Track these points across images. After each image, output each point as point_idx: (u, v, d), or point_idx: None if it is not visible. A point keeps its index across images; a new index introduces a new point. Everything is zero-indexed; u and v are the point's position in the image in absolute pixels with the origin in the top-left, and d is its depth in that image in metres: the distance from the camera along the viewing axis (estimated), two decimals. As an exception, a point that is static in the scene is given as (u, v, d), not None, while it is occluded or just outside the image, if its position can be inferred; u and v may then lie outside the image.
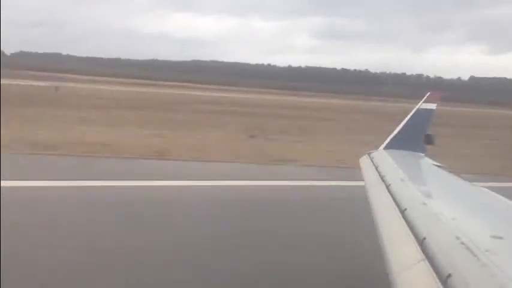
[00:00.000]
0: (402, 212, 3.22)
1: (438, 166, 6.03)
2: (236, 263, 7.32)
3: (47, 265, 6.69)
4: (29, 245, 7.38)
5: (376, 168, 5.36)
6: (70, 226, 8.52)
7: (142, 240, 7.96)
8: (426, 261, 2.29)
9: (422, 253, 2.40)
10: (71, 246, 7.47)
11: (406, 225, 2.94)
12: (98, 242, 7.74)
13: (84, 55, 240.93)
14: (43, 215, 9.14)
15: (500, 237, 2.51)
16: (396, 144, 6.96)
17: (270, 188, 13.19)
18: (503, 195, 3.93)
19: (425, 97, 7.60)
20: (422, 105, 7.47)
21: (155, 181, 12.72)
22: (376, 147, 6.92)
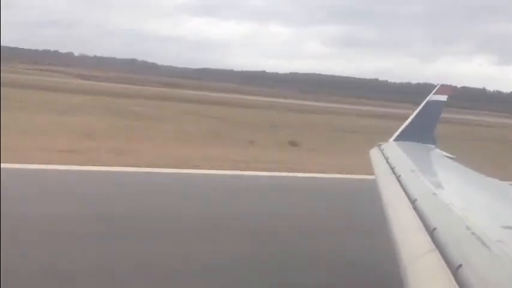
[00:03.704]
0: (412, 202, 3.22)
1: (449, 157, 6.01)
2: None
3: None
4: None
5: (387, 159, 5.34)
6: None
7: None
8: (437, 251, 2.29)
9: (432, 243, 2.40)
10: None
11: (416, 216, 2.93)
12: None
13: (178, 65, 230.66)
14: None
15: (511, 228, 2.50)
16: (406, 136, 6.92)
17: None
18: None
19: (436, 89, 7.52)
20: (432, 96, 7.40)
21: None
22: None
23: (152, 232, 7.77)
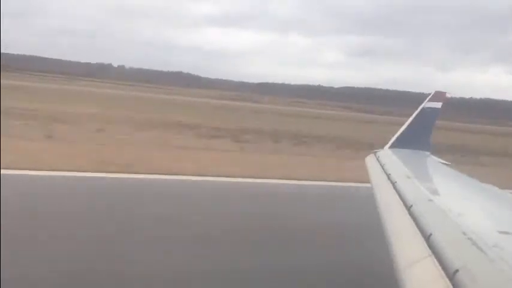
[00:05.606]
0: (408, 208, 3.21)
1: (444, 164, 6.02)
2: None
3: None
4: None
5: (382, 166, 5.34)
6: None
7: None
8: (433, 257, 2.28)
9: (429, 249, 2.39)
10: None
11: (412, 222, 2.93)
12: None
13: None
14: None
15: (507, 233, 2.50)
16: (401, 143, 6.93)
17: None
18: None
19: (431, 96, 7.53)
20: (427, 103, 7.41)
21: None
22: None
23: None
